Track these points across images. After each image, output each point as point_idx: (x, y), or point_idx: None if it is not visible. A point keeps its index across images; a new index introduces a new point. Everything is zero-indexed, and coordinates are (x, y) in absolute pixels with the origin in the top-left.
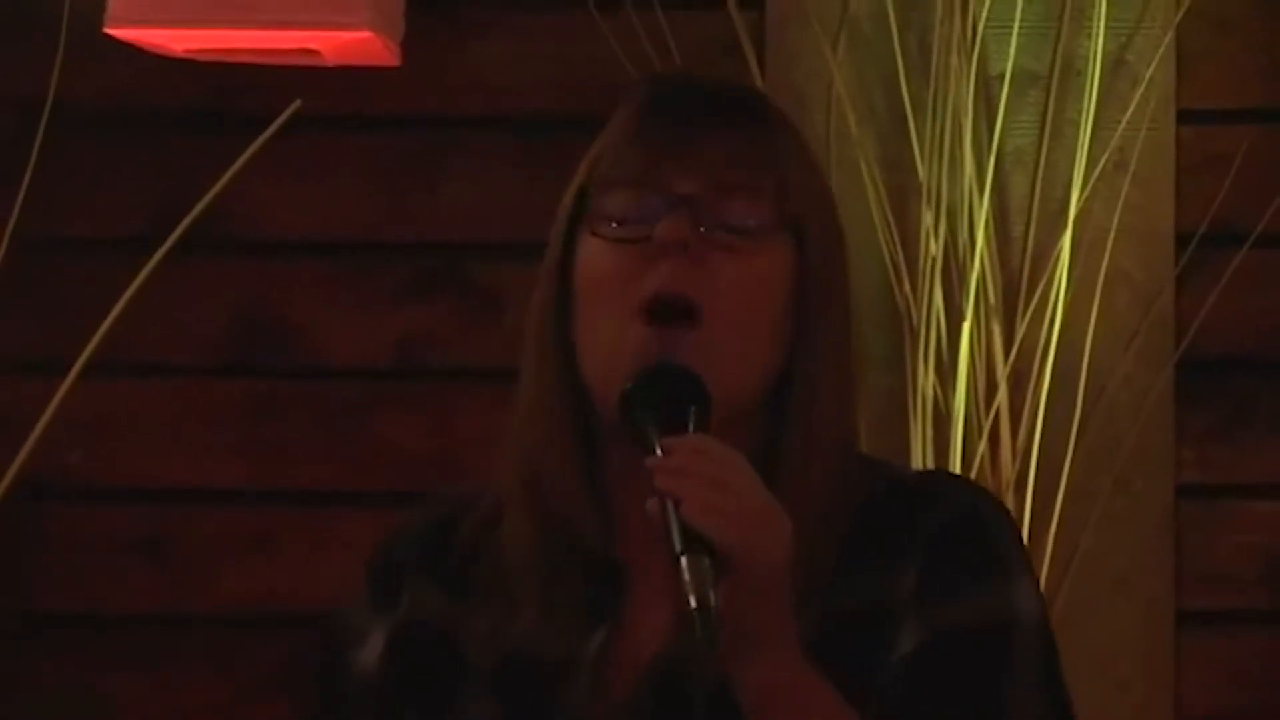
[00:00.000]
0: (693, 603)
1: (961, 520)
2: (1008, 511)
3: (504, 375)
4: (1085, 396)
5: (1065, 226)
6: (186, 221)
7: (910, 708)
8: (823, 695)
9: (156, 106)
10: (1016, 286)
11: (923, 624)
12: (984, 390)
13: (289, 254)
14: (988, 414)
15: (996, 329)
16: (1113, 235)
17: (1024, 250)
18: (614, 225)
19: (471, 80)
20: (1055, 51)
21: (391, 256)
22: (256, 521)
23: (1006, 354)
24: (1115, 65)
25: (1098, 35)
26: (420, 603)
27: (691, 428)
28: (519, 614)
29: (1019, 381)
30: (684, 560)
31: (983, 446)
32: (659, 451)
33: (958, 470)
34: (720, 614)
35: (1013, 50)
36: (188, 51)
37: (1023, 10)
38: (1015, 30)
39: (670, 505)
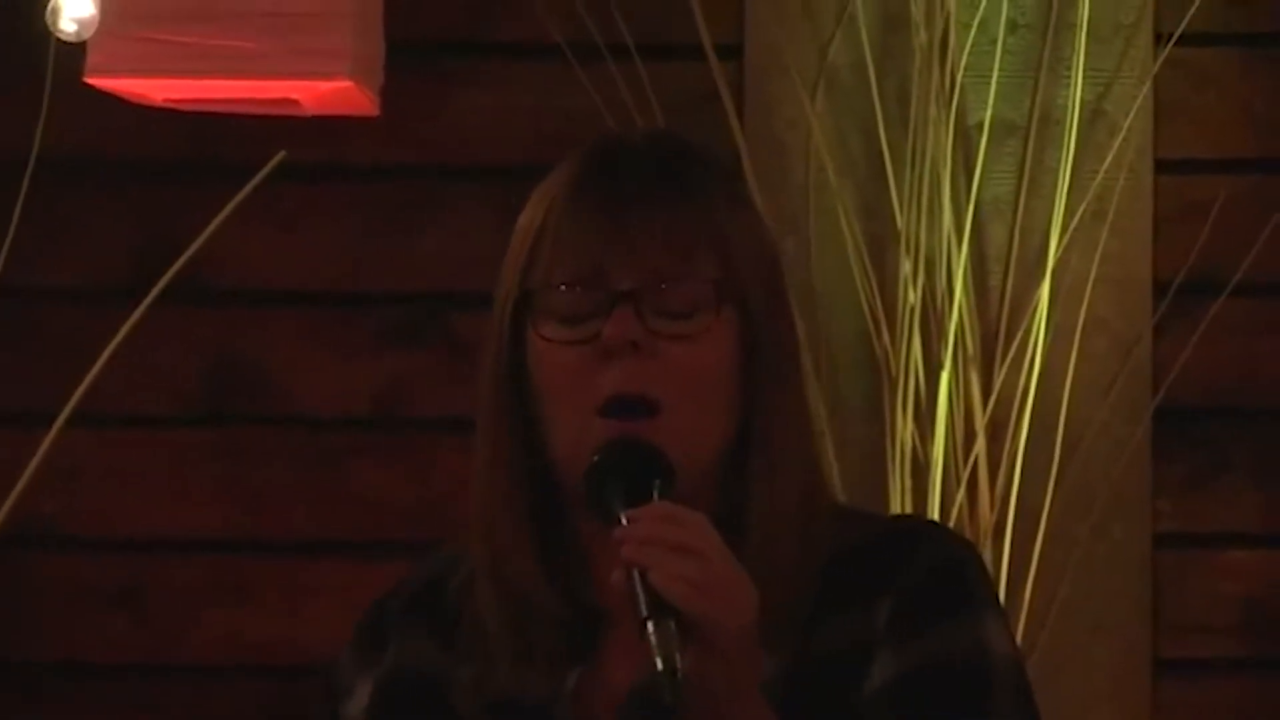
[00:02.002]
0: (659, 665)
1: (933, 562)
2: (979, 555)
3: None
4: (1063, 445)
5: (1043, 275)
6: (170, 272)
7: None
8: None
9: (134, 156)
10: (995, 335)
11: (896, 658)
12: (962, 439)
13: (267, 302)
14: (966, 463)
15: (975, 378)
16: (1091, 284)
17: (1002, 299)
18: (560, 327)
19: (452, 130)
20: (1033, 101)
21: (370, 306)
22: (233, 571)
23: (985, 403)
24: (1093, 115)
25: (1076, 85)
26: (408, 652)
27: (656, 497)
28: (499, 667)
29: (997, 430)
30: (650, 625)
31: (961, 495)
32: (624, 521)
33: (936, 519)
34: (687, 677)
35: (991, 100)
36: (168, 101)
37: (1001, 60)
38: (994, 80)
39: (636, 573)
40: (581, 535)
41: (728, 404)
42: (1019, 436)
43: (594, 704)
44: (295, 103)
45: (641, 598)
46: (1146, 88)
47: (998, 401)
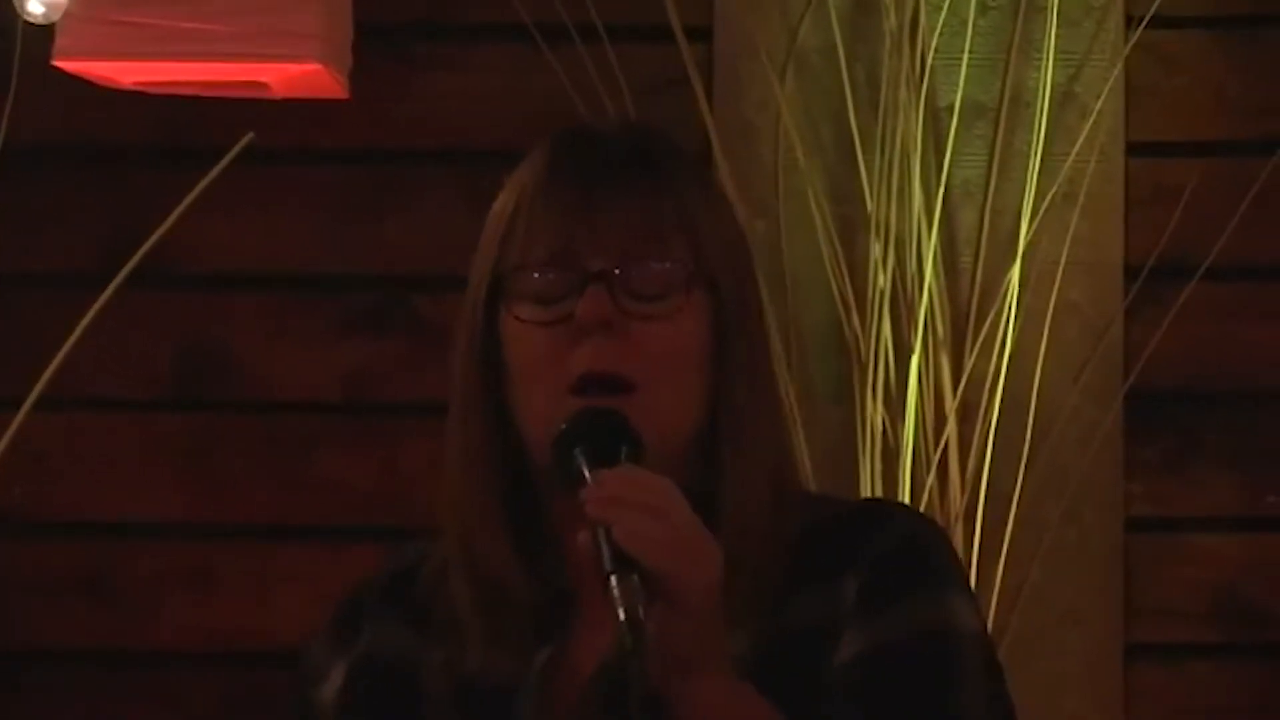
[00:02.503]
0: (621, 616)
1: (901, 540)
2: (946, 534)
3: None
4: (1034, 429)
5: (1014, 258)
6: (138, 256)
7: (860, 716)
8: (760, 712)
9: (102, 140)
10: (965, 318)
11: (864, 633)
12: (933, 423)
13: (235, 287)
14: (936, 446)
15: (945, 361)
16: (1062, 267)
17: (973, 282)
18: (534, 307)
19: (420, 114)
20: (1004, 84)
21: (339, 291)
22: (199, 556)
23: (955, 386)
24: (1064, 97)
25: (1046, 68)
26: (381, 638)
27: (622, 462)
28: (470, 649)
29: (968, 414)
30: (613, 579)
31: (931, 479)
32: (589, 480)
33: (906, 502)
34: (651, 632)
35: (961, 82)
36: (136, 84)
37: (971, 42)
38: (964, 62)
39: (601, 531)
40: (553, 518)
41: (699, 387)
42: (990, 420)
43: (561, 683)
44: (264, 86)
45: (606, 553)
46: (1117, 70)
47: (968, 385)
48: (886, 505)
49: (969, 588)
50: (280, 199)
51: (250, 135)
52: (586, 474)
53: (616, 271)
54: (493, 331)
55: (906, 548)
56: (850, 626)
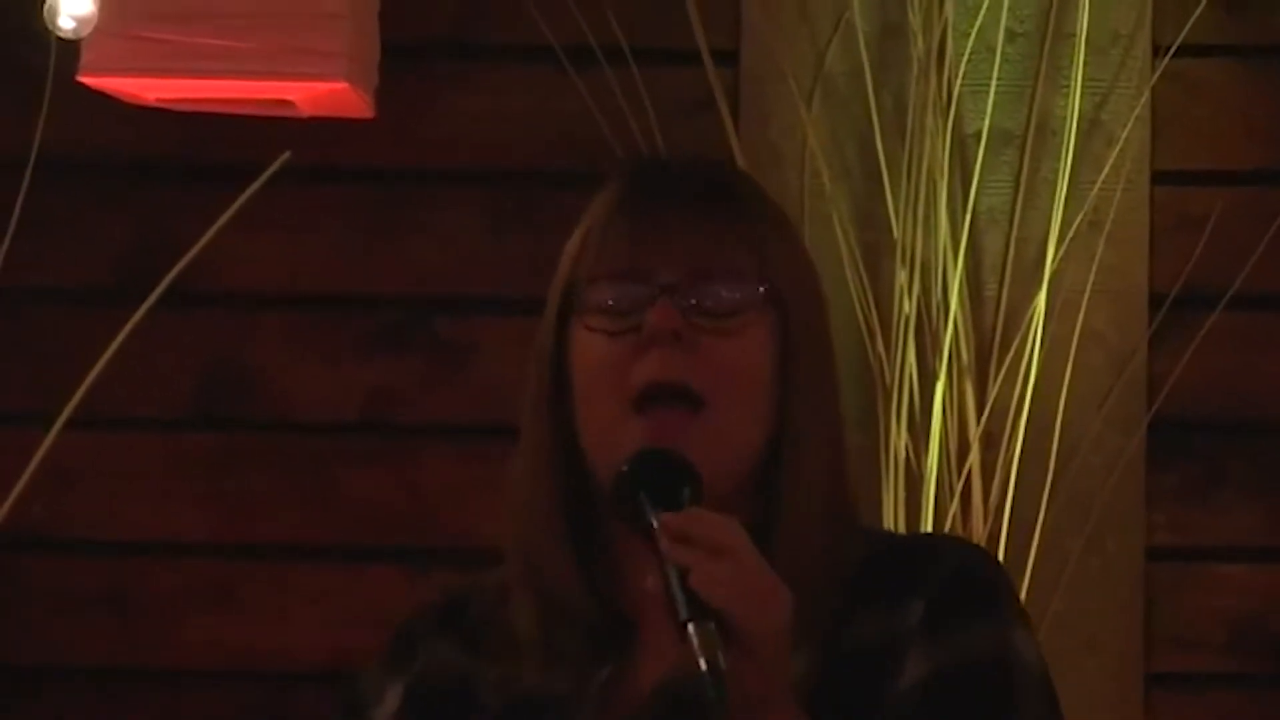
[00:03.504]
0: (703, 666)
1: (964, 569)
2: (1006, 570)
3: (471, 431)
4: (1057, 457)
5: (1039, 286)
6: (172, 274)
7: None
8: None
9: (125, 157)
10: (990, 346)
11: (926, 658)
12: (956, 450)
13: (256, 306)
14: (960, 474)
15: (969, 389)
16: (1087, 295)
17: (998, 310)
18: (604, 318)
19: (444, 134)
20: (1030, 111)
21: (360, 310)
22: (220, 575)
23: (979, 414)
24: (1090, 125)
25: (1073, 95)
26: (436, 661)
27: (687, 501)
28: (528, 668)
29: (991, 441)
30: (691, 627)
31: (954, 506)
32: (658, 527)
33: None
34: (728, 677)
35: (988, 109)
36: (160, 100)
37: (999, 70)
38: (991, 90)
39: (674, 574)
40: (614, 540)
41: (764, 408)
42: (1013, 448)
43: (619, 703)
44: (290, 104)
45: (681, 600)
46: (1144, 98)
47: (992, 413)
48: (946, 537)
49: (1028, 620)
50: (301, 218)
51: (288, 154)
52: (654, 523)
53: (687, 285)
54: (562, 348)
55: (971, 576)
56: (914, 650)
